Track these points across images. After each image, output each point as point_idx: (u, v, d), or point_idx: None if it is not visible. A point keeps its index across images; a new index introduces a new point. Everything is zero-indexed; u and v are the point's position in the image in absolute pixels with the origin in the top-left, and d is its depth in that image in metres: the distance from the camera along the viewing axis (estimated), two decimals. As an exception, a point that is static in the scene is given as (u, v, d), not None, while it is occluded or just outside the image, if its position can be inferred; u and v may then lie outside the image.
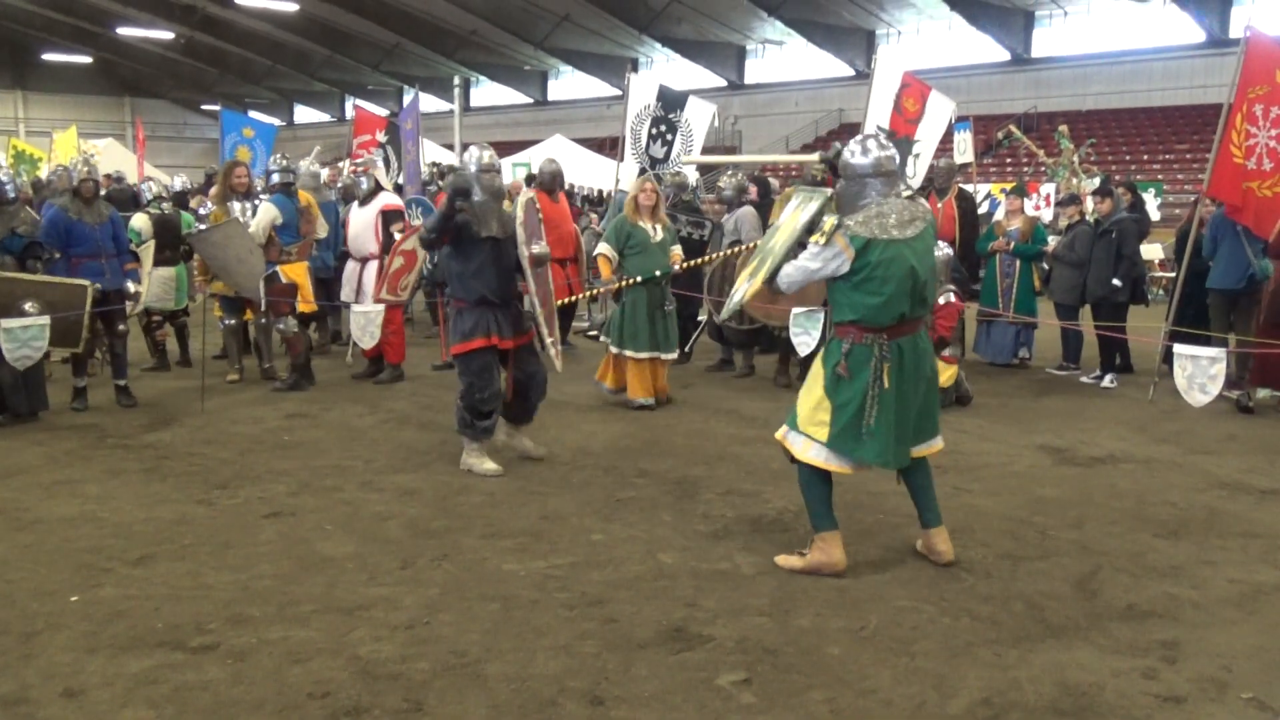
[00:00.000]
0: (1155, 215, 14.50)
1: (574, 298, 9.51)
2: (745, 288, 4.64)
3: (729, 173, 9.65)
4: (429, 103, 39.66)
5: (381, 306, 8.21)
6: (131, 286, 7.60)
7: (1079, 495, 5.44)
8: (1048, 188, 17.55)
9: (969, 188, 11.14)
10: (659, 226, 7.58)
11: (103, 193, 8.16)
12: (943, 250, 7.77)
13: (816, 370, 4.32)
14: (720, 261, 8.37)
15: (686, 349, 9.25)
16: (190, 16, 40.70)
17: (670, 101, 10.99)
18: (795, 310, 7.79)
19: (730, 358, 9.10)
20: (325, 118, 51.55)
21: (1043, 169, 19.49)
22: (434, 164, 14.90)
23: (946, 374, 7.45)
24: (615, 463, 6.01)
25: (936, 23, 30.81)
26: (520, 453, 6.03)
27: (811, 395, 4.28)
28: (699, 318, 9.43)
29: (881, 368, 4.13)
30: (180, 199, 11.07)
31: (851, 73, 32.23)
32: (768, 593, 4.08)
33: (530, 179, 9.93)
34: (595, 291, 9.12)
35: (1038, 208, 16.37)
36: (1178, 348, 7.25)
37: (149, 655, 3.53)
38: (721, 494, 5.38)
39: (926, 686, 3.35)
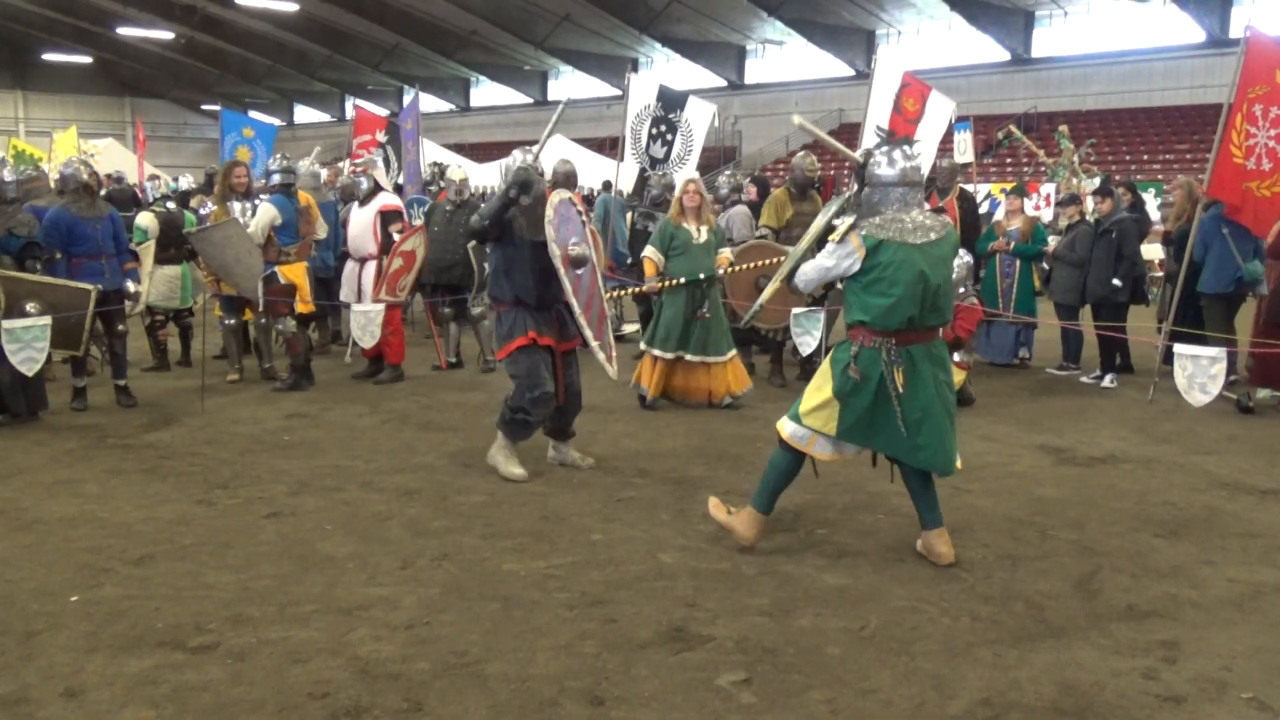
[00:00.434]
0: (1155, 215, 14.50)
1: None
2: (767, 289, 4.95)
3: (727, 172, 9.67)
4: (429, 103, 39.79)
5: (381, 306, 8.21)
6: (131, 286, 7.59)
7: (1079, 495, 5.44)
8: (1048, 188, 17.57)
9: (969, 188, 11.15)
10: (704, 228, 7.46)
11: (102, 192, 8.16)
12: (964, 258, 7.80)
13: (825, 370, 4.37)
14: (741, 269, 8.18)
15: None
16: (190, 16, 40.73)
17: (670, 102, 10.99)
18: (795, 310, 7.81)
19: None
20: (325, 118, 51.57)
21: (1043, 169, 19.50)
22: (434, 164, 14.90)
23: (957, 378, 7.46)
24: (615, 463, 6.00)
25: (936, 23, 30.82)
26: (569, 464, 5.90)
27: (820, 393, 4.33)
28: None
29: (893, 371, 4.17)
30: (183, 199, 11.08)
31: (851, 73, 32.24)
32: (768, 593, 4.08)
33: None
34: (624, 293, 9.01)
35: (1038, 208, 16.39)
36: (1178, 348, 7.25)
37: (149, 655, 3.53)
38: (721, 494, 5.36)
39: (926, 686, 3.35)
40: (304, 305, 8.24)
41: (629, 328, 10.69)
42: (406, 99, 23.97)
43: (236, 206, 8.10)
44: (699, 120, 11.03)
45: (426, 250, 8.52)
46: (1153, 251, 11.75)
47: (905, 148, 4.34)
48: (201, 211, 9.73)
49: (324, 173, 10.38)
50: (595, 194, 15.43)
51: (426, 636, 3.68)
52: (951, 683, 3.37)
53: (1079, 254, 8.81)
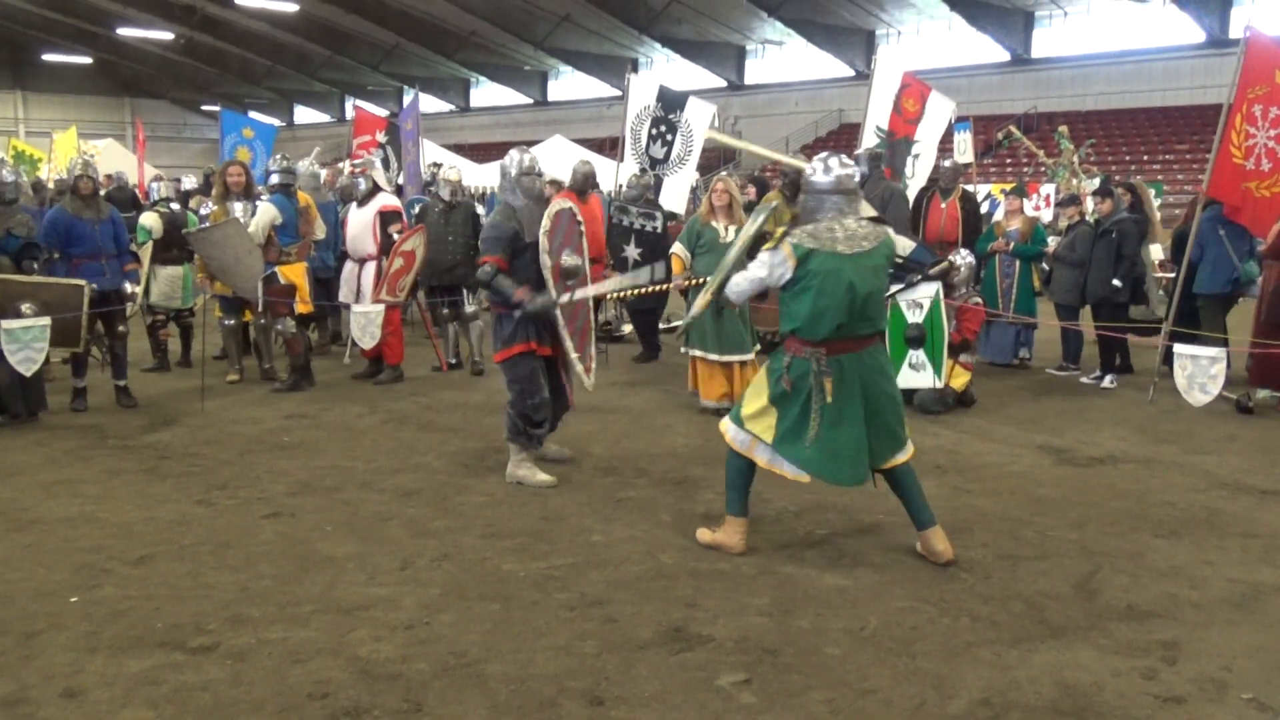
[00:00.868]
0: (1156, 217, 14.48)
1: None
2: (698, 301, 4.90)
3: (726, 173, 9.67)
4: (429, 103, 39.78)
5: (381, 307, 8.21)
6: (129, 287, 7.58)
7: (1079, 495, 5.44)
8: (1048, 188, 17.54)
9: (969, 188, 11.14)
10: (732, 227, 7.33)
11: (102, 193, 8.15)
12: (966, 258, 7.80)
13: (762, 377, 4.44)
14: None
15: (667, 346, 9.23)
16: (190, 17, 40.74)
17: (670, 102, 10.99)
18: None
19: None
20: (325, 118, 51.57)
21: (1043, 169, 19.49)
22: (434, 164, 14.90)
23: (961, 379, 7.47)
24: (615, 463, 6.01)
25: (936, 23, 30.84)
26: (547, 458, 5.91)
27: (759, 398, 4.39)
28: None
29: (822, 382, 4.19)
30: (185, 199, 11.07)
31: (851, 73, 32.26)
32: (768, 593, 4.08)
33: (558, 185, 9.90)
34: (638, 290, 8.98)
35: (1037, 208, 16.35)
36: (1178, 348, 7.25)
37: (149, 655, 3.53)
38: (721, 494, 5.36)
39: (926, 686, 3.35)
40: (304, 306, 8.24)
41: (628, 328, 10.69)
42: (406, 99, 23.95)
43: (238, 206, 8.09)
44: (699, 121, 11.03)
45: (426, 250, 8.52)
46: (1153, 252, 11.73)
47: (841, 156, 4.39)
48: (202, 211, 9.73)
49: (323, 173, 10.38)
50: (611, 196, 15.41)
51: (426, 637, 3.68)
52: (951, 683, 3.37)
53: (1079, 254, 8.81)
